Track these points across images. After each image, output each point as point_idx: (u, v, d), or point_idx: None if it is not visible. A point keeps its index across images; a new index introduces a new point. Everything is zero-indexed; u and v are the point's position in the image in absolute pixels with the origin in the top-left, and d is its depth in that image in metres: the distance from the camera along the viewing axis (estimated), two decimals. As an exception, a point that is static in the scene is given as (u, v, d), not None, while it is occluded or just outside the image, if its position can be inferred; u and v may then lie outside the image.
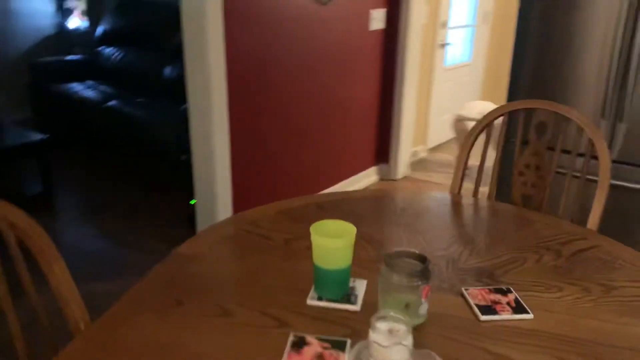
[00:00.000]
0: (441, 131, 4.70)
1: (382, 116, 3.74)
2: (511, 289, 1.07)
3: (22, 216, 0.90)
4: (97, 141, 4.45)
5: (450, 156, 4.55)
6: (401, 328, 0.85)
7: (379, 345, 0.82)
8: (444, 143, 4.85)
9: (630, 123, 2.09)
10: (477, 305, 1.01)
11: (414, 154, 4.22)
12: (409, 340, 0.82)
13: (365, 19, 3.33)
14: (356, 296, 1.04)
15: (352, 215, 1.39)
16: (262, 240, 1.26)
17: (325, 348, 0.90)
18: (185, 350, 0.89)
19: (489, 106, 3.08)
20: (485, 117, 1.59)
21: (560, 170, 1.85)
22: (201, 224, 2.71)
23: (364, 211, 1.43)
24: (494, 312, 0.99)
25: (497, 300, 1.03)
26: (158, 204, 3.36)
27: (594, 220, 1.40)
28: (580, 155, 1.49)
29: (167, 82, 4.10)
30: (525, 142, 1.59)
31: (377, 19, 3.43)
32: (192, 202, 2.93)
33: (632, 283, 1.11)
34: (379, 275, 0.97)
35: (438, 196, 1.59)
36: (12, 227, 0.90)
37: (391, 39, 3.58)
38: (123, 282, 2.53)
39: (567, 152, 1.62)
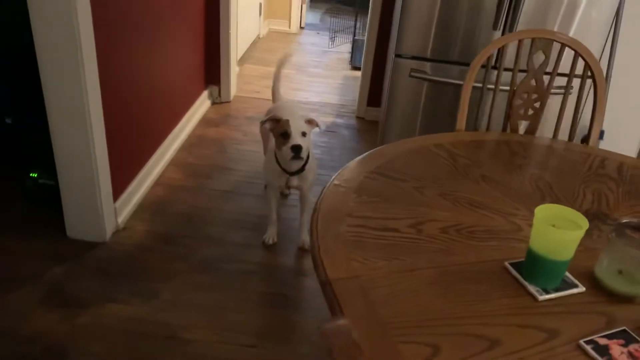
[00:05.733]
0: (241, 42, 4.43)
1: (209, 31, 3.30)
2: (643, 223, 1.17)
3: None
4: None
5: (258, 67, 4.38)
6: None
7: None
8: (245, 54, 4.62)
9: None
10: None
11: (230, 69, 3.92)
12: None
13: None
14: (566, 275, 0.99)
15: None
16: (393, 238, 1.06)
17: (622, 345, 0.85)
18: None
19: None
20: (484, 51, 1.57)
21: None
22: (70, 195, 2.06)
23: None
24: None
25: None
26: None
27: (594, 137, 1.58)
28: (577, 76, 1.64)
29: None
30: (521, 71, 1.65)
31: None
32: (33, 175, 2.20)
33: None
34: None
35: (451, 139, 1.55)
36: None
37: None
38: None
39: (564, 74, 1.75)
